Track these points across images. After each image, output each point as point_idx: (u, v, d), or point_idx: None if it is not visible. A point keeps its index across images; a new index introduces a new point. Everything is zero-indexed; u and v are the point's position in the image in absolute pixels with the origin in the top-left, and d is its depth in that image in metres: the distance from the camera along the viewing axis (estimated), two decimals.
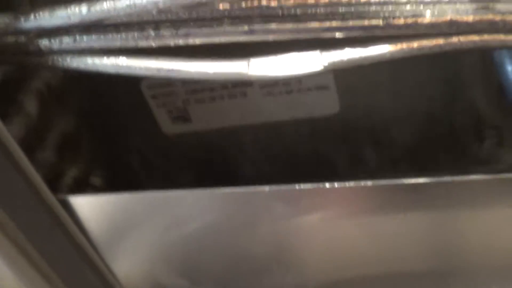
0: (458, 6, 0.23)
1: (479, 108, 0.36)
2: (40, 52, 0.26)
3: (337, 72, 0.33)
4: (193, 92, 0.35)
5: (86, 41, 0.25)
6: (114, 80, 0.28)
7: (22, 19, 0.25)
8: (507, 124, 0.34)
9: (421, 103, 0.36)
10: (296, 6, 0.24)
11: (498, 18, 0.23)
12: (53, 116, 0.35)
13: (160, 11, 0.24)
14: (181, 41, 0.25)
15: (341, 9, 0.24)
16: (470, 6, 0.23)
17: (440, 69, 0.34)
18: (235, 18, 0.24)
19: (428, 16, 0.23)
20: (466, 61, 0.34)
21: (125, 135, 0.38)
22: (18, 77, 0.32)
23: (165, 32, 0.25)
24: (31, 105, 0.33)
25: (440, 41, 0.24)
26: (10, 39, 0.26)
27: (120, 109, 0.38)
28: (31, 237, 0.26)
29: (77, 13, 0.24)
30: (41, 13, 0.25)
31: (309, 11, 0.24)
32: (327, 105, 0.35)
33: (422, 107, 0.36)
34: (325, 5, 0.24)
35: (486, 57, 0.31)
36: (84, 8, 0.24)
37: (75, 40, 0.25)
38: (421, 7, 0.23)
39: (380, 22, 0.24)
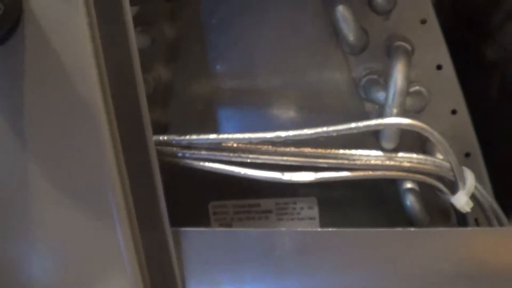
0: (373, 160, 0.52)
1: None
2: (181, 157, 0.54)
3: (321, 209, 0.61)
4: (237, 213, 0.62)
5: (207, 155, 0.54)
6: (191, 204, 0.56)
7: (176, 138, 0.54)
8: None
9: None
10: (299, 152, 0.53)
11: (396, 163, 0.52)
12: None
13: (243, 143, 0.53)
14: (253, 160, 0.53)
15: (327, 154, 0.53)
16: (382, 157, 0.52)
17: None
18: (277, 154, 0.53)
19: (360, 161, 0.52)
20: None
21: None
22: None
23: (243, 154, 0.53)
24: None
25: (370, 172, 0.52)
26: (166, 148, 0.54)
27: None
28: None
29: (205, 138, 0.53)
30: (183, 137, 0.53)
31: (310, 154, 0.53)
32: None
33: None
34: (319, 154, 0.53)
35: None
36: (211, 136, 0.52)
37: (200, 154, 0.54)
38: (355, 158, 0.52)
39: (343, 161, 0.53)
